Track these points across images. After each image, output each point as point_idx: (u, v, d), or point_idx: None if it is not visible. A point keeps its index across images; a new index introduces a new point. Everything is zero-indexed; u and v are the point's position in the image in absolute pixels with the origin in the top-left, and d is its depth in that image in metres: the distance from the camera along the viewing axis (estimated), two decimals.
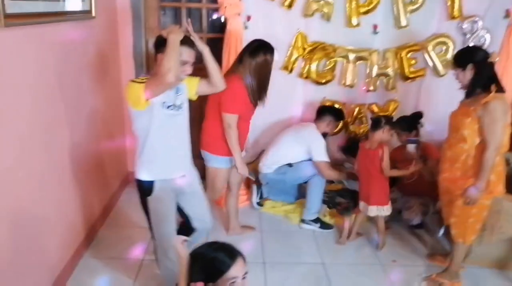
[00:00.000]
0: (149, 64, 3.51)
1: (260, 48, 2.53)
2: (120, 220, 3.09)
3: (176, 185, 2.06)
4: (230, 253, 1.38)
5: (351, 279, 2.56)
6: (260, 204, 3.33)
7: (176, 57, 1.81)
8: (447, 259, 2.69)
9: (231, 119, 2.47)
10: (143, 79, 1.88)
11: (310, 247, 2.89)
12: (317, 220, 3.09)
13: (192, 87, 2.13)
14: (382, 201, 2.75)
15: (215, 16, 3.30)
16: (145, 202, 2.02)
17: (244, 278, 1.35)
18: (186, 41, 1.90)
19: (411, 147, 2.94)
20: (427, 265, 2.74)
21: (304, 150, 3.03)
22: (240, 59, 2.57)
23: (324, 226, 3.09)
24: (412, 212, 2.95)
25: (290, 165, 3.10)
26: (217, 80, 2.17)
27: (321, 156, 2.96)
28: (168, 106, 1.94)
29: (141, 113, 1.89)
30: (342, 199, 3.34)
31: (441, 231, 3.02)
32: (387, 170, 2.69)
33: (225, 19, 3.25)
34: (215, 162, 2.64)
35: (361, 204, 2.84)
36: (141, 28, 3.36)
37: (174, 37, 1.82)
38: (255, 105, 2.61)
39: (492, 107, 2.14)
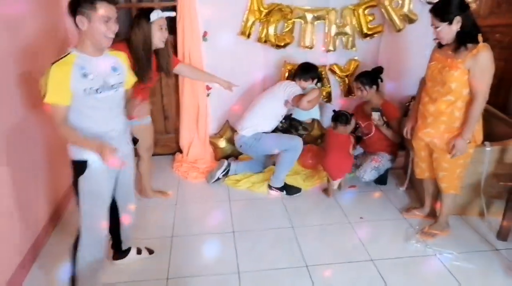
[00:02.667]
0: None
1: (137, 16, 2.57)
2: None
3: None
4: None
5: (320, 239, 2.60)
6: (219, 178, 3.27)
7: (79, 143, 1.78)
8: (422, 211, 2.78)
9: None
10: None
11: (278, 212, 2.90)
12: (283, 188, 3.10)
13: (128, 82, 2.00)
14: (350, 167, 3.09)
15: None
16: (76, 182, 1.87)
17: None
18: None
19: (375, 115, 2.95)
20: (393, 218, 2.81)
21: (281, 97, 3.04)
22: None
23: (291, 191, 3.11)
24: (361, 169, 3.01)
25: (265, 132, 3.08)
26: None
27: (296, 91, 3.01)
28: (97, 90, 1.77)
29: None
30: (303, 131, 3.39)
31: (404, 185, 3.11)
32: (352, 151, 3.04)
33: None
34: None
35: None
36: None
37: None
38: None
39: (483, 57, 2.11)
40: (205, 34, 3.27)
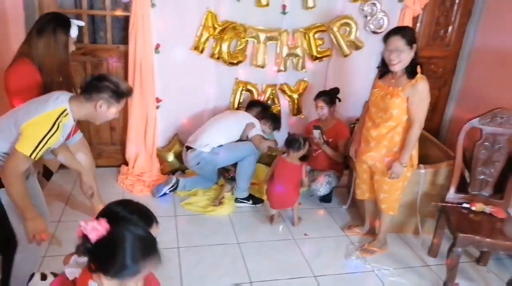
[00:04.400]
0: None
1: (49, 24, 2.16)
2: None
3: None
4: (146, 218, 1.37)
5: (265, 255, 2.62)
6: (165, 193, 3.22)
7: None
8: (362, 229, 2.91)
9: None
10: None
11: (225, 228, 2.90)
12: (249, 197, 3.16)
13: None
14: (294, 203, 2.94)
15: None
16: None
17: None
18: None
19: (315, 133, 3.08)
20: (335, 235, 2.91)
21: (242, 127, 3.13)
22: (27, 39, 2.19)
23: (256, 201, 3.19)
24: (317, 183, 3.10)
25: (220, 145, 3.09)
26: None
27: (256, 130, 3.12)
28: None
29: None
30: (232, 167, 3.30)
31: (347, 204, 3.24)
32: (306, 183, 2.92)
33: None
34: None
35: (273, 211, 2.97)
36: None
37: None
38: None
39: (421, 87, 2.26)
40: (157, 46, 3.24)
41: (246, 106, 3.42)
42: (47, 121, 1.69)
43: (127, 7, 3.18)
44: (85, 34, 3.26)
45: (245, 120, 3.17)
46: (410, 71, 2.30)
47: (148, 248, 1.19)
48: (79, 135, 2.55)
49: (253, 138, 3.11)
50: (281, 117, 3.54)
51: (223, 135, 3.11)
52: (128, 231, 1.17)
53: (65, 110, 1.76)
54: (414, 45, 2.26)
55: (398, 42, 2.24)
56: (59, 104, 1.76)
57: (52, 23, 2.16)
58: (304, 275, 2.46)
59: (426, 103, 2.30)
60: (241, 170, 3.10)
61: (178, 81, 3.38)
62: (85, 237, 1.16)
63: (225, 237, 2.79)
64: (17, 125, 1.70)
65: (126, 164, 3.51)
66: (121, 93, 1.83)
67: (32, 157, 1.68)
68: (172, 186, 3.20)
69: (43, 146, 1.69)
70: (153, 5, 3.13)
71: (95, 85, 1.80)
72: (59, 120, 1.72)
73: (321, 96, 3.17)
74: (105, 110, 1.82)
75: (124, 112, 3.44)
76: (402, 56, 2.25)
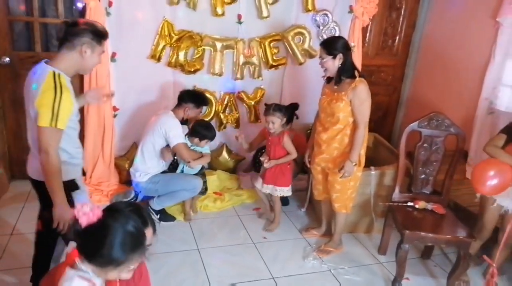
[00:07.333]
0: None
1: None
2: None
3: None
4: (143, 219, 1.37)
5: (225, 260, 2.67)
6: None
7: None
8: (319, 230, 3.02)
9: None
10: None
11: (184, 234, 2.92)
12: (158, 212, 3.05)
13: None
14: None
15: (79, 5, 3.08)
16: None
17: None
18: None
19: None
20: (293, 238, 3.00)
21: (163, 140, 2.93)
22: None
23: (165, 218, 3.08)
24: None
25: (164, 171, 3.06)
26: None
27: (177, 138, 2.88)
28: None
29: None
30: None
31: (305, 206, 3.35)
32: (293, 153, 2.90)
33: (84, 4, 3.05)
34: None
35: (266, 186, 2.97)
36: None
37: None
38: None
39: (360, 90, 2.41)
40: (113, 55, 3.23)
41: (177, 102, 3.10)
42: (49, 88, 1.68)
43: (81, 15, 3.14)
44: (37, 43, 3.20)
45: (160, 131, 2.91)
46: (337, 78, 2.49)
47: (134, 244, 1.26)
48: None
49: (176, 149, 2.89)
50: (209, 124, 3.22)
51: (153, 159, 2.98)
52: (118, 223, 1.24)
53: (53, 72, 1.72)
54: (339, 55, 2.43)
55: (321, 51, 2.48)
56: (42, 72, 1.73)
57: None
58: (263, 277, 2.52)
59: (367, 104, 2.46)
60: (176, 195, 2.97)
61: (135, 90, 3.38)
62: (77, 220, 1.22)
63: (184, 243, 2.81)
64: (33, 109, 1.72)
65: (84, 173, 3.44)
66: (101, 34, 1.83)
67: (54, 125, 1.68)
68: (131, 200, 3.17)
69: (59, 111, 1.68)
70: (108, 13, 3.12)
71: (73, 31, 1.77)
72: (57, 82, 1.70)
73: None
74: (90, 54, 1.80)
75: (81, 121, 3.37)
76: (325, 65, 2.48)
